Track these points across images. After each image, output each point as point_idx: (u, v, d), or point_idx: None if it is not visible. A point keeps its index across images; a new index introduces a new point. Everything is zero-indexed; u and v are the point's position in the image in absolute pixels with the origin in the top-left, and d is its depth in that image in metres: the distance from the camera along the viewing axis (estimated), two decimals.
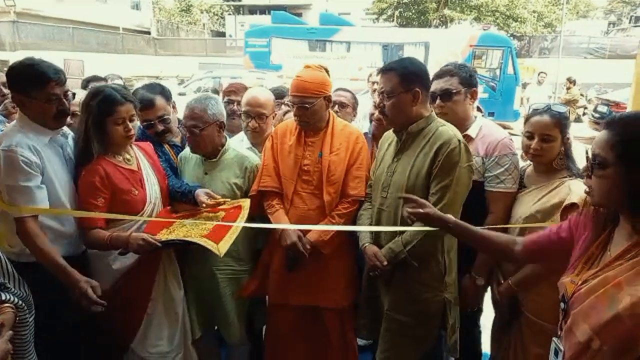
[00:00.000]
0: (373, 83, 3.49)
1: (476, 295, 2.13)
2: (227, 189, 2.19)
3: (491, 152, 2.05)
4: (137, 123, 2.03)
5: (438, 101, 2.12)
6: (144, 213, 1.95)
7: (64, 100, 1.81)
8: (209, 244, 1.82)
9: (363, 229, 2.07)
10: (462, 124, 2.10)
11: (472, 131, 2.12)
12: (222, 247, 1.82)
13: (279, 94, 3.07)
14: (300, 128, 2.20)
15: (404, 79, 1.87)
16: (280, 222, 2.10)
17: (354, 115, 2.95)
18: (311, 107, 2.09)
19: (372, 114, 2.59)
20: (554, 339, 1.29)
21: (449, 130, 1.89)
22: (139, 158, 2.06)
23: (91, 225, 1.86)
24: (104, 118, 1.85)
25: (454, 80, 2.11)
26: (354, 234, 2.15)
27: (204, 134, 2.12)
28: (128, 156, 2.01)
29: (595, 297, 1.12)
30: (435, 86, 2.11)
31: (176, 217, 2.10)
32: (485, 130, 2.12)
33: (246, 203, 2.09)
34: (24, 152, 1.71)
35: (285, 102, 2.97)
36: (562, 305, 1.25)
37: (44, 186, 1.75)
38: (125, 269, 1.94)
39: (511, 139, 2.09)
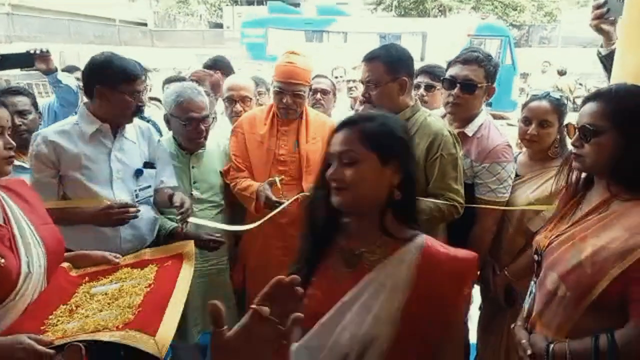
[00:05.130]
0: (349, 82, 3.26)
1: None
2: (221, 179, 2.17)
3: (482, 159, 1.92)
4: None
5: (456, 90, 1.91)
6: (18, 293, 1.23)
7: (141, 97, 1.85)
8: (138, 341, 1.11)
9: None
10: (466, 120, 1.99)
11: (470, 129, 1.97)
12: (162, 341, 1.12)
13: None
14: (273, 117, 2.14)
15: (390, 68, 1.80)
16: (249, 188, 2.05)
17: (335, 102, 2.94)
18: (304, 94, 2.08)
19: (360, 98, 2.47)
20: (532, 281, 1.40)
21: (436, 121, 1.86)
22: (5, 204, 1.32)
23: None
24: None
25: (481, 72, 1.89)
26: None
27: (208, 123, 2.06)
28: None
29: (564, 249, 1.24)
30: (456, 71, 1.91)
31: (77, 278, 1.43)
32: (484, 130, 1.96)
33: (189, 247, 1.57)
34: (40, 145, 1.75)
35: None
36: (535, 257, 1.38)
37: (53, 181, 1.76)
38: None
39: (508, 145, 1.94)
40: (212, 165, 2.17)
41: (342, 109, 3.28)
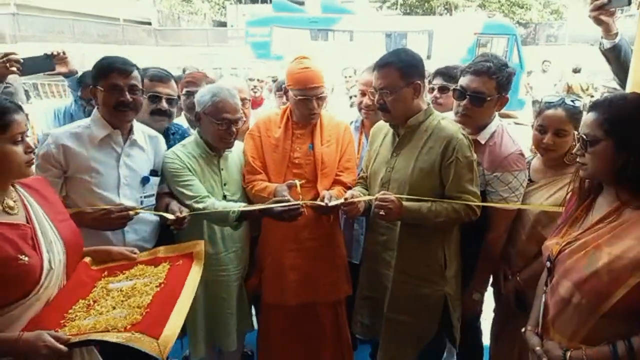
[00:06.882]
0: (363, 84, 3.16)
1: (474, 309, 2.09)
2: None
3: (494, 168, 1.90)
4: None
5: (465, 101, 1.90)
6: (41, 288, 1.30)
7: (126, 92, 1.79)
8: (142, 343, 1.18)
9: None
10: (478, 127, 1.97)
11: (482, 137, 1.95)
12: (164, 343, 1.18)
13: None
14: (287, 120, 2.13)
15: (403, 73, 1.79)
16: (267, 188, 2.03)
17: (327, 102, 2.94)
18: (326, 95, 2.09)
19: (360, 102, 2.41)
20: (543, 293, 1.41)
21: (450, 124, 1.84)
22: (27, 203, 1.38)
23: None
24: None
25: (491, 85, 1.87)
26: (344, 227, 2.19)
27: (239, 126, 2.03)
28: (10, 202, 1.32)
29: (577, 257, 1.27)
30: (467, 82, 1.89)
31: (97, 272, 1.51)
32: (496, 138, 1.95)
33: (200, 247, 1.63)
34: (50, 145, 1.78)
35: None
36: (547, 264, 1.40)
37: (57, 180, 1.78)
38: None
39: (521, 153, 1.92)
40: (235, 167, 2.15)
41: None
